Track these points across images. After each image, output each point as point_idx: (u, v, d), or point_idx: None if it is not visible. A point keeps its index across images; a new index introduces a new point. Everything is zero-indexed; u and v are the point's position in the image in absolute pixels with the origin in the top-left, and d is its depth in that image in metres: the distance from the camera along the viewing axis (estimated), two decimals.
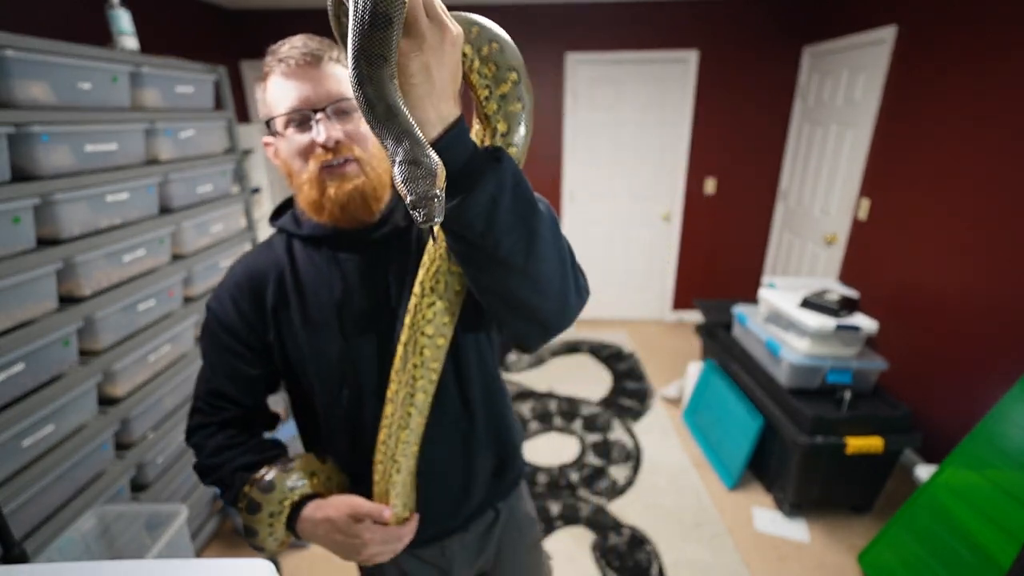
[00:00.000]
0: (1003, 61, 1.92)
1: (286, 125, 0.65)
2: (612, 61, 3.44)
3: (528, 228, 0.47)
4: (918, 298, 2.31)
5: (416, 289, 0.60)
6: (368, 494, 0.73)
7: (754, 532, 2.01)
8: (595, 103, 3.56)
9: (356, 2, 0.37)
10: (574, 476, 2.34)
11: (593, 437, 2.63)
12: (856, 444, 1.85)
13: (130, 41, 1.67)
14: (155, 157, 1.73)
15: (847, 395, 1.96)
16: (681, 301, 4.01)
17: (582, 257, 0.86)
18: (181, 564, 0.51)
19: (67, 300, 1.42)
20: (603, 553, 1.92)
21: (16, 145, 1.26)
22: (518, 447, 0.90)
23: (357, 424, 0.74)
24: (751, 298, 2.78)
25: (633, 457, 2.47)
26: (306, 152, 0.65)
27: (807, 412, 1.89)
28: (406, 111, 0.41)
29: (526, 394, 3.01)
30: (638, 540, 1.97)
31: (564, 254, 0.53)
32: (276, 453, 0.75)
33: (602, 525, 2.05)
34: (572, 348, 3.59)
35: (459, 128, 0.45)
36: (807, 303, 2.08)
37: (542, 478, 2.32)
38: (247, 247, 2.24)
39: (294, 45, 0.64)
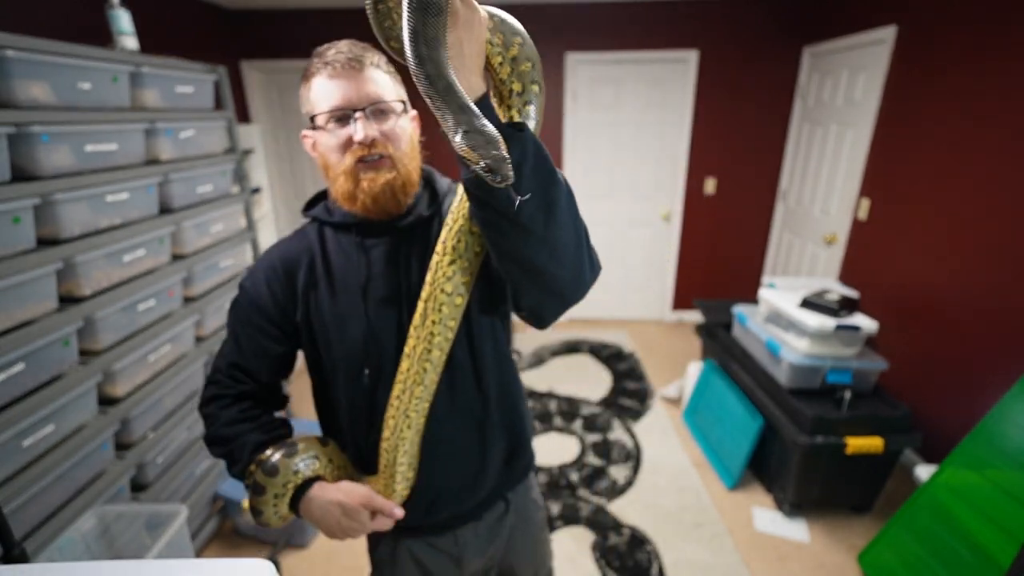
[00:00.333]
0: (1003, 61, 1.92)
1: (327, 122, 0.70)
2: (612, 61, 3.44)
3: (547, 196, 0.51)
4: (918, 298, 2.31)
5: (438, 248, 0.64)
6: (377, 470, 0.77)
7: (754, 532, 2.01)
8: (595, 103, 3.56)
9: None
10: (574, 476, 2.34)
11: (593, 437, 2.63)
12: (856, 444, 1.85)
13: (130, 41, 1.67)
14: (155, 157, 1.73)
15: (847, 395, 1.96)
16: (681, 301, 4.01)
17: None
18: (181, 564, 0.51)
19: (67, 300, 1.42)
20: (603, 553, 1.92)
21: (16, 145, 1.26)
22: (529, 437, 0.92)
23: (376, 405, 0.77)
24: (751, 298, 2.79)
25: (633, 457, 2.47)
26: (344, 147, 0.70)
27: (807, 412, 1.89)
28: (461, 88, 0.45)
29: (526, 394, 3.01)
30: (638, 540, 1.97)
31: (580, 226, 0.57)
32: (283, 433, 0.79)
33: (602, 525, 2.05)
34: (572, 348, 3.59)
35: (486, 100, 0.50)
36: (807, 303, 2.08)
37: (542, 478, 2.32)
38: (247, 247, 2.24)
39: (340, 50, 0.69)
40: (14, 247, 1.26)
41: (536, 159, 0.51)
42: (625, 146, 3.65)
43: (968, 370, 2.04)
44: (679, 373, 3.17)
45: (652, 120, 3.57)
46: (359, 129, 0.68)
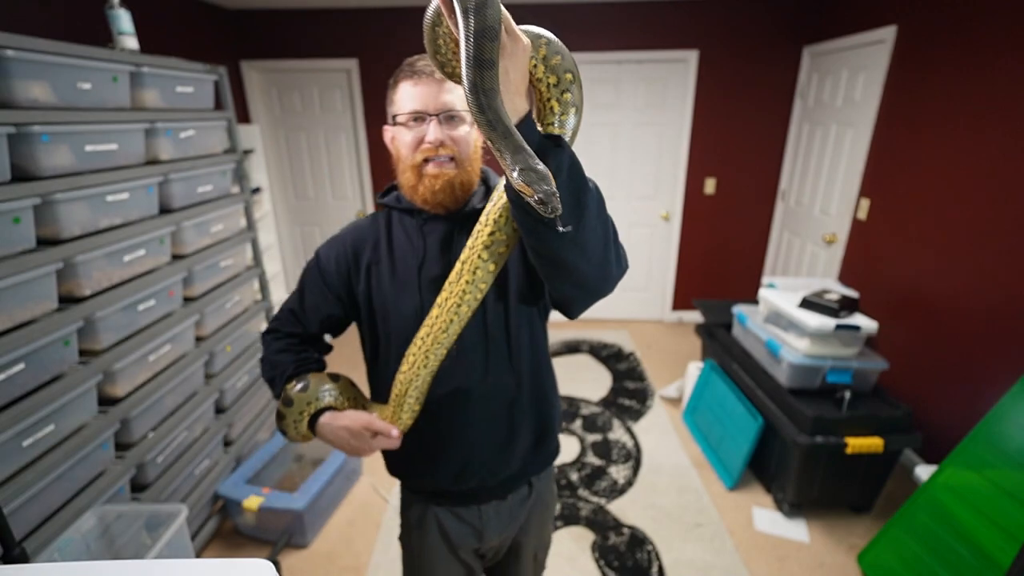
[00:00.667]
0: (1003, 61, 1.92)
1: (407, 121, 0.80)
2: (612, 61, 3.44)
3: (579, 202, 0.58)
4: (918, 298, 2.31)
5: (481, 219, 0.70)
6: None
7: (754, 532, 2.01)
8: (595, 103, 3.56)
9: (467, 49, 0.49)
10: (574, 476, 2.34)
11: (593, 437, 2.63)
12: (856, 444, 1.85)
13: (130, 41, 1.67)
14: (155, 157, 1.73)
15: (847, 395, 1.96)
16: (681, 301, 4.01)
17: None
18: (181, 564, 0.51)
19: (67, 300, 1.42)
20: (603, 553, 1.92)
21: (16, 145, 1.26)
22: (556, 427, 1.00)
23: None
24: (751, 298, 2.79)
25: (633, 457, 2.47)
26: (416, 144, 0.80)
27: (807, 412, 1.89)
28: (518, 132, 0.51)
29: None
30: (638, 540, 1.98)
31: (608, 228, 0.64)
32: (315, 368, 0.92)
33: (602, 525, 2.05)
34: (572, 348, 3.59)
35: (529, 119, 0.56)
36: (807, 303, 2.08)
37: None
38: (247, 247, 2.24)
39: (426, 62, 0.79)
40: (14, 247, 1.26)
41: (570, 171, 0.57)
42: (625, 146, 3.65)
43: (968, 370, 2.04)
44: (679, 373, 3.17)
45: (652, 120, 3.57)
46: (431, 131, 0.78)
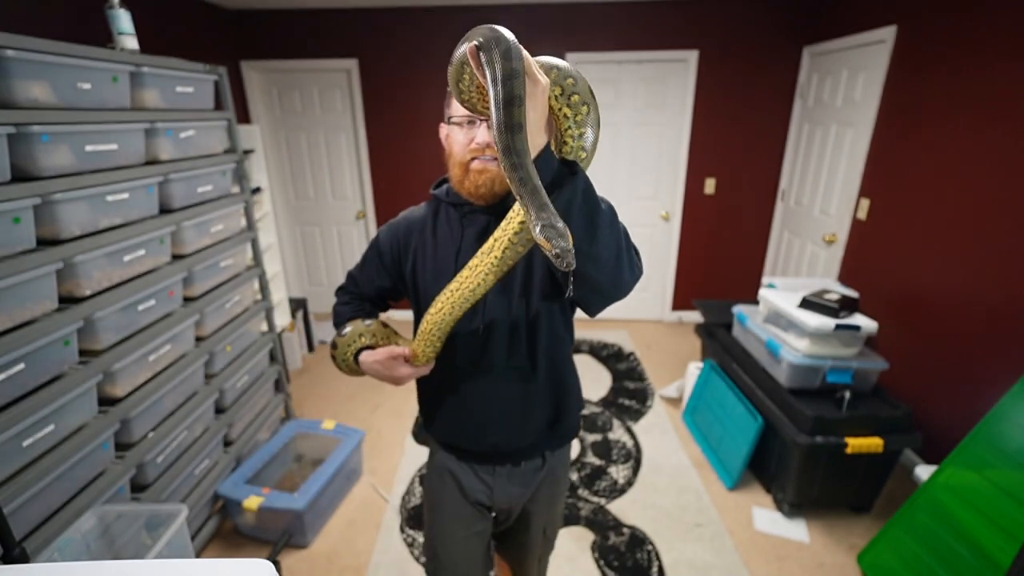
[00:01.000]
0: (1003, 61, 1.92)
1: (460, 123, 0.90)
2: (612, 61, 3.44)
3: (592, 222, 0.64)
4: (918, 298, 2.31)
5: (515, 206, 0.76)
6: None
7: (754, 532, 2.01)
8: None
9: (497, 116, 0.54)
10: (574, 476, 2.34)
11: (593, 437, 2.63)
12: (856, 444, 1.85)
13: (130, 41, 1.67)
14: (155, 157, 1.73)
15: (847, 395, 1.96)
16: (681, 301, 4.01)
17: None
18: (181, 564, 0.51)
19: (67, 300, 1.42)
20: (603, 553, 1.92)
21: (16, 145, 1.26)
22: (573, 410, 1.10)
23: (452, 340, 1.00)
24: (751, 298, 2.79)
25: (633, 457, 2.47)
26: (466, 144, 0.89)
27: (807, 412, 1.89)
28: (544, 191, 0.56)
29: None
30: (638, 540, 1.98)
31: (620, 242, 0.69)
32: (364, 316, 1.07)
33: (602, 525, 2.05)
34: (573, 348, 3.59)
35: (548, 152, 0.62)
36: (807, 303, 2.08)
37: None
38: (247, 247, 2.24)
39: None
40: (14, 247, 1.26)
41: (584, 194, 0.63)
42: (625, 146, 3.65)
43: (968, 370, 2.04)
44: (679, 373, 3.17)
45: (652, 120, 3.58)
46: (480, 134, 0.87)
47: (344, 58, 3.51)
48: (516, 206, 0.78)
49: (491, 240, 0.80)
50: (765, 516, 2.09)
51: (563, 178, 0.62)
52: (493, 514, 1.19)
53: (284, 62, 3.55)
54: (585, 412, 2.84)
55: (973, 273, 2.03)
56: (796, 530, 2.01)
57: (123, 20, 1.65)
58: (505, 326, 0.98)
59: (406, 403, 2.94)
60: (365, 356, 1.01)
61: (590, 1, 3.27)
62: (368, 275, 1.10)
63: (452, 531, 1.13)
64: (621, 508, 2.14)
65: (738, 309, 2.53)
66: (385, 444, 2.58)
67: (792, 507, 2.06)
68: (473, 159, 0.89)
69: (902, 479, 2.19)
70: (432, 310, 0.90)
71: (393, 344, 1.05)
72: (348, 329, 1.03)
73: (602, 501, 2.18)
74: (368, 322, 1.05)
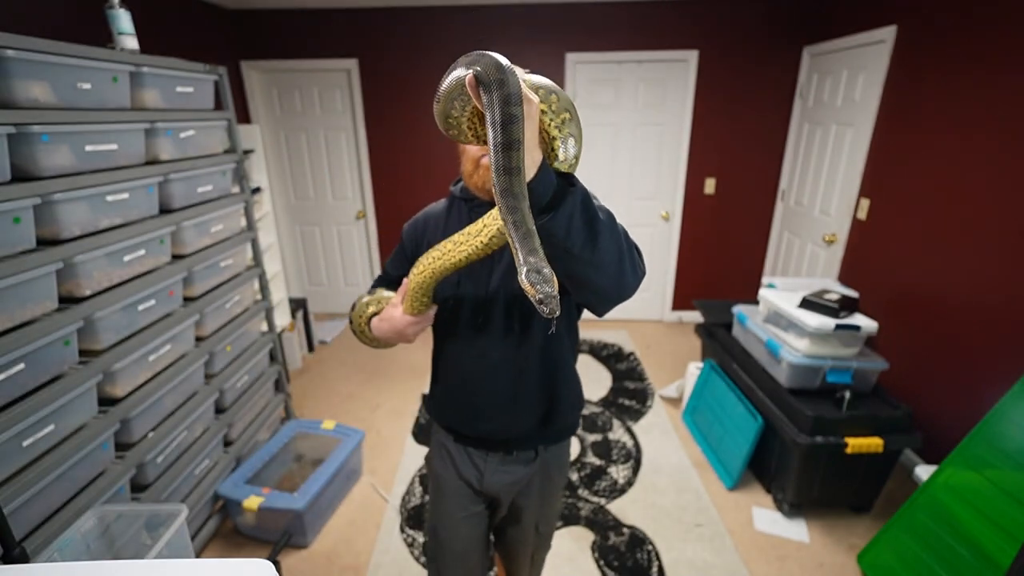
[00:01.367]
0: (1004, 61, 1.92)
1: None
2: (612, 61, 3.44)
3: (592, 232, 0.65)
4: (918, 298, 2.31)
5: None
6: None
7: (754, 532, 2.01)
8: (595, 103, 3.56)
9: (496, 160, 0.56)
10: (574, 476, 2.34)
11: (593, 437, 2.63)
12: (856, 444, 1.85)
13: (130, 41, 1.67)
14: (155, 157, 1.73)
15: (847, 395, 1.96)
16: (681, 301, 4.01)
17: None
18: (181, 564, 0.51)
19: (67, 300, 1.42)
20: (603, 553, 1.92)
21: (16, 145, 1.26)
22: (567, 409, 1.12)
23: (452, 322, 1.08)
24: (751, 298, 2.79)
25: (633, 457, 2.47)
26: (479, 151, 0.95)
27: (807, 412, 1.89)
28: (537, 235, 0.58)
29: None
30: (638, 540, 1.98)
31: (621, 246, 0.71)
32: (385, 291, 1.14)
33: (602, 525, 2.05)
34: None
35: (545, 167, 0.62)
36: (807, 303, 2.08)
37: None
38: (247, 247, 2.24)
39: None
40: (14, 247, 1.26)
41: (583, 205, 0.64)
42: (625, 146, 3.65)
43: (968, 370, 2.04)
44: (679, 373, 3.17)
45: (652, 120, 3.58)
46: None
47: (344, 58, 3.51)
48: None
49: (480, 223, 0.83)
50: (765, 516, 2.09)
51: (563, 192, 0.64)
52: (486, 499, 1.22)
53: (284, 62, 3.55)
54: (585, 412, 2.84)
55: (973, 273, 2.03)
56: (796, 530, 2.01)
57: (123, 20, 1.65)
58: (502, 323, 1.03)
59: (406, 403, 2.94)
60: (374, 321, 1.07)
61: (590, 1, 3.27)
62: (395, 265, 1.17)
63: (450, 511, 1.19)
64: (621, 508, 2.14)
65: (738, 309, 2.53)
66: (385, 444, 2.58)
67: (792, 507, 2.06)
68: (484, 155, 0.93)
69: (902, 479, 2.19)
70: (415, 271, 0.95)
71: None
72: (356, 303, 1.12)
73: (602, 501, 2.18)
74: (374, 292, 1.13)
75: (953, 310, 2.12)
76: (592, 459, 2.46)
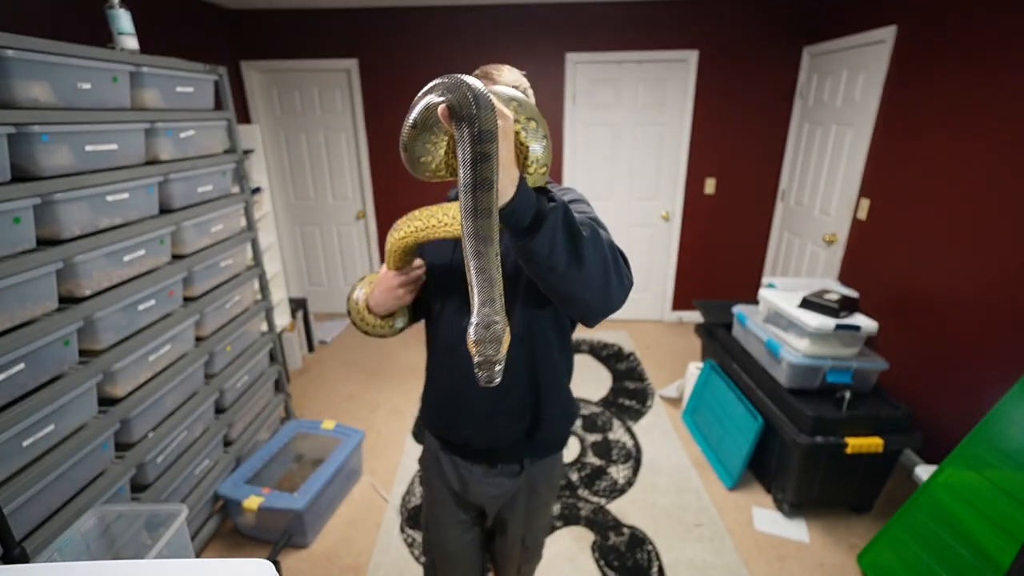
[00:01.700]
0: (1004, 61, 1.92)
1: None
2: (612, 61, 3.44)
3: (576, 248, 0.63)
4: (918, 298, 2.31)
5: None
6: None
7: (754, 532, 2.01)
8: (595, 103, 3.56)
9: (466, 201, 0.52)
10: (574, 476, 2.34)
11: (593, 437, 2.63)
12: (856, 444, 1.85)
13: (130, 41, 1.67)
14: (155, 157, 1.73)
15: (847, 395, 1.96)
16: (681, 301, 4.01)
17: None
18: (181, 564, 0.51)
19: (67, 300, 1.42)
20: (603, 553, 1.92)
21: (16, 145, 1.26)
22: (555, 423, 1.08)
23: (439, 325, 1.06)
24: (751, 298, 2.79)
25: (633, 457, 2.47)
26: None
27: (807, 412, 1.89)
28: (501, 284, 0.54)
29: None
30: (638, 540, 1.98)
31: (606, 261, 0.68)
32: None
33: (602, 525, 2.05)
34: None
35: (524, 186, 0.60)
36: (807, 303, 2.08)
37: None
38: (247, 247, 2.24)
39: (501, 73, 0.91)
40: (14, 247, 1.26)
41: (565, 223, 0.62)
42: (625, 146, 3.65)
43: (968, 370, 2.04)
44: (679, 373, 3.17)
45: (652, 120, 3.58)
46: None
47: (344, 58, 3.51)
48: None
49: (454, 206, 0.83)
50: (765, 516, 2.09)
51: (544, 210, 0.62)
52: (474, 509, 1.21)
53: (284, 62, 3.55)
54: (585, 412, 2.84)
55: (973, 273, 2.03)
56: (796, 530, 2.01)
57: (123, 20, 1.65)
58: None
59: (406, 403, 2.94)
60: (369, 298, 1.06)
61: (590, 1, 3.27)
62: None
63: (439, 515, 1.19)
64: (621, 508, 2.14)
65: (738, 309, 2.53)
66: (385, 444, 2.58)
67: (792, 507, 2.06)
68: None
69: (902, 479, 2.19)
70: (397, 235, 0.93)
71: None
72: (349, 295, 1.11)
73: (602, 501, 2.18)
74: (363, 278, 1.12)
75: (953, 310, 2.12)
76: (592, 459, 2.46)
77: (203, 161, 1.91)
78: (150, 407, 1.66)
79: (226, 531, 2.03)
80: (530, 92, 0.95)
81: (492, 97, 0.54)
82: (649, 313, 4.10)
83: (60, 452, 1.35)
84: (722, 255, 3.85)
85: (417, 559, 1.90)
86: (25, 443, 1.27)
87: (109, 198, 1.51)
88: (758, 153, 3.55)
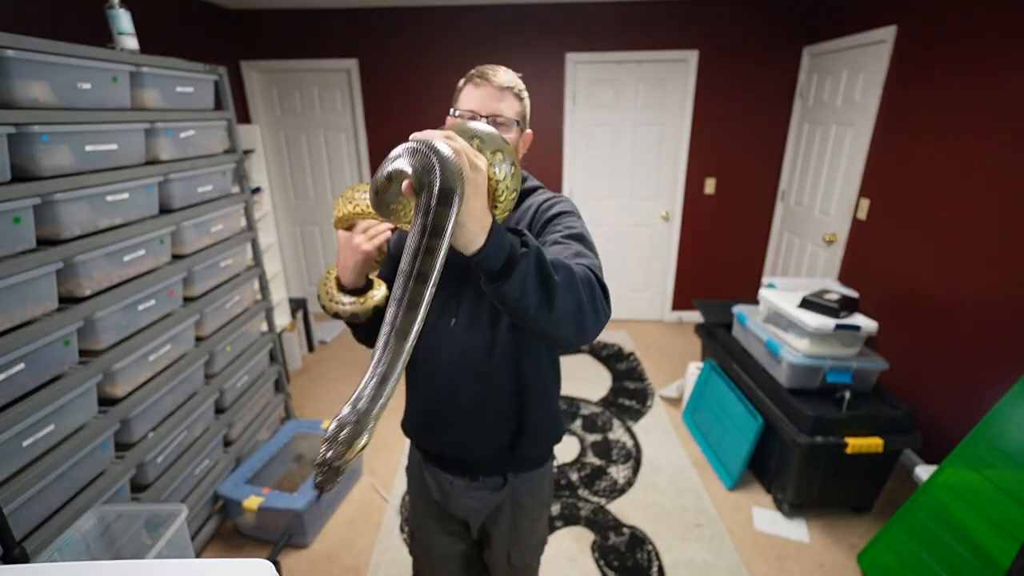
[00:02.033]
0: (1004, 61, 1.92)
1: (462, 116, 0.92)
2: (612, 61, 3.44)
3: (547, 292, 0.63)
4: (918, 298, 2.31)
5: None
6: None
7: (754, 532, 2.01)
8: (595, 103, 3.56)
9: (399, 289, 0.49)
10: (574, 476, 2.34)
11: (593, 437, 2.63)
12: (856, 444, 1.85)
13: (130, 41, 1.67)
14: (155, 157, 1.73)
15: (847, 395, 1.96)
16: (681, 301, 4.01)
17: None
18: (181, 564, 0.51)
19: (67, 300, 1.42)
20: (603, 553, 1.92)
21: (16, 145, 1.26)
22: (539, 438, 1.05)
23: (421, 336, 0.99)
24: (751, 298, 2.79)
25: (633, 457, 2.47)
26: None
27: (807, 412, 1.89)
28: (394, 383, 0.48)
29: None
30: (638, 540, 1.98)
31: (580, 301, 0.67)
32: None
33: (602, 525, 2.05)
34: None
35: (497, 232, 0.59)
36: (807, 303, 2.08)
37: None
38: (247, 247, 2.24)
39: (497, 74, 0.92)
40: (14, 247, 1.26)
41: (537, 269, 0.62)
42: (625, 146, 3.65)
43: (968, 370, 2.04)
44: (679, 373, 3.17)
45: (652, 120, 3.58)
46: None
47: (344, 58, 3.51)
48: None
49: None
50: (765, 516, 2.09)
51: (516, 256, 0.61)
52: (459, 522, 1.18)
53: (284, 62, 3.55)
54: (585, 412, 2.84)
55: (973, 273, 2.03)
56: (796, 530, 2.01)
57: (123, 20, 1.65)
58: (468, 328, 0.96)
59: None
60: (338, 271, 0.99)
61: (590, 1, 3.27)
62: (389, 269, 1.10)
63: (424, 523, 1.18)
64: (621, 508, 2.14)
65: (738, 309, 2.53)
66: (385, 444, 2.58)
67: (792, 507, 2.06)
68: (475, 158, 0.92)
69: (902, 479, 2.19)
70: (350, 205, 0.89)
71: None
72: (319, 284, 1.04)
73: (602, 501, 2.18)
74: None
75: (953, 310, 2.12)
76: (592, 459, 2.46)
77: (203, 161, 1.91)
78: (150, 407, 1.66)
79: (226, 531, 2.03)
80: (525, 94, 0.95)
81: (463, 157, 0.53)
82: (649, 313, 4.10)
83: (60, 452, 1.35)
84: (722, 255, 3.85)
85: None
86: (25, 443, 1.27)
87: (109, 198, 1.51)
88: (758, 153, 3.55)
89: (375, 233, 0.91)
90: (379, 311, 0.94)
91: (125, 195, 1.56)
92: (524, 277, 0.61)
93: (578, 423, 2.74)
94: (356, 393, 0.47)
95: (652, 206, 3.80)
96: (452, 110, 0.96)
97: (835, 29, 2.95)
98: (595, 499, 2.19)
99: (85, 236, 1.44)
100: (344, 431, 0.46)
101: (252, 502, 1.85)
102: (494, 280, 0.61)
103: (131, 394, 1.60)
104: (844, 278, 2.83)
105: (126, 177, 1.56)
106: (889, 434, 1.89)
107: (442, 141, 0.53)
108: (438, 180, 0.50)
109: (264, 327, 2.38)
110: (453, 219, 0.50)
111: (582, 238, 0.84)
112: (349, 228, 0.93)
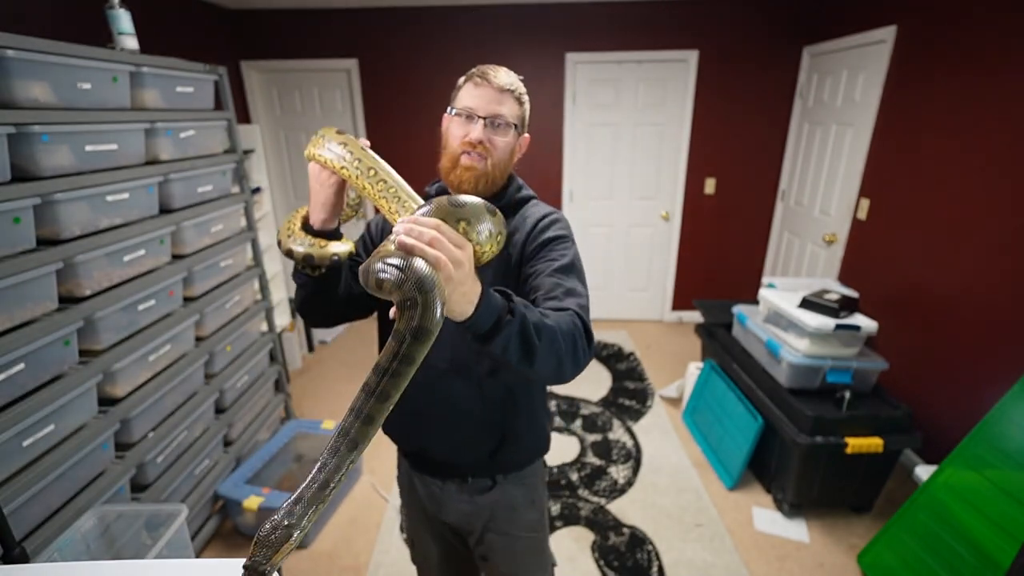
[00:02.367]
0: (1004, 61, 1.92)
1: (460, 114, 0.91)
2: (612, 61, 3.44)
3: (529, 350, 0.66)
4: (918, 298, 2.31)
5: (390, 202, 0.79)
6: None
7: (754, 532, 2.01)
8: (595, 103, 3.56)
9: (359, 400, 0.50)
10: (574, 476, 2.34)
11: (593, 437, 2.63)
12: (856, 444, 1.85)
13: (130, 41, 1.67)
14: (155, 157, 1.73)
15: (847, 395, 1.96)
16: (681, 301, 4.01)
17: (583, 258, 0.96)
18: (181, 564, 0.51)
19: (67, 300, 1.42)
20: (603, 553, 1.92)
21: (16, 145, 1.26)
22: (522, 440, 1.03)
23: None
24: (751, 298, 2.78)
25: (633, 457, 2.47)
26: (460, 137, 0.91)
27: (807, 412, 1.89)
28: (331, 491, 0.49)
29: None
30: (638, 540, 1.97)
31: (560, 355, 0.70)
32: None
33: (602, 525, 2.05)
34: None
35: (487, 300, 0.62)
36: (807, 303, 2.08)
37: None
38: (247, 247, 2.24)
39: (498, 74, 0.91)
40: (14, 247, 1.26)
41: (520, 333, 0.65)
42: (625, 146, 3.65)
43: (968, 370, 2.04)
44: (679, 373, 3.17)
45: (652, 120, 3.58)
46: (476, 130, 0.89)
47: (344, 58, 3.51)
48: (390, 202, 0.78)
49: (391, 200, 0.77)
50: (765, 516, 2.09)
51: (503, 322, 0.65)
52: (453, 529, 1.16)
53: (284, 62, 3.55)
54: (585, 412, 2.84)
55: (973, 273, 2.03)
56: (796, 530, 2.01)
57: (123, 20, 1.65)
58: (454, 332, 0.92)
59: None
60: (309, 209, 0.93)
61: (590, 1, 3.27)
62: (360, 252, 1.07)
63: (422, 534, 1.18)
64: (621, 508, 2.14)
65: (738, 309, 2.53)
66: (385, 444, 2.56)
67: (792, 507, 2.06)
68: (464, 153, 0.91)
69: (902, 479, 2.19)
70: (335, 162, 0.82)
71: None
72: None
73: (602, 501, 2.18)
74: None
75: (953, 310, 2.12)
76: (592, 459, 2.46)
77: (203, 161, 1.91)
78: (150, 407, 1.66)
79: (226, 531, 2.03)
80: (526, 98, 0.94)
81: (445, 267, 0.53)
82: (649, 313, 4.10)
83: (60, 452, 1.35)
84: (722, 255, 3.85)
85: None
86: (25, 443, 1.27)
87: (109, 198, 1.51)
88: (758, 153, 3.55)
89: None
90: (333, 271, 0.88)
91: (125, 195, 1.56)
92: (507, 340, 0.64)
93: (578, 423, 2.74)
94: (295, 495, 0.48)
95: (652, 206, 3.80)
96: (449, 108, 0.95)
97: (835, 29, 2.95)
98: (595, 499, 2.19)
99: (85, 236, 1.44)
100: (275, 534, 0.46)
101: (252, 502, 1.85)
102: (479, 339, 0.65)
103: (131, 394, 1.60)
104: (844, 278, 2.83)
105: (126, 177, 1.56)
106: (889, 434, 1.89)
107: (426, 254, 0.53)
108: (417, 319, 0.51)
109: (264, 327, 2.38)
110: (425, 352, 0.52)
111: (573, 268, 0.87)
112: None
